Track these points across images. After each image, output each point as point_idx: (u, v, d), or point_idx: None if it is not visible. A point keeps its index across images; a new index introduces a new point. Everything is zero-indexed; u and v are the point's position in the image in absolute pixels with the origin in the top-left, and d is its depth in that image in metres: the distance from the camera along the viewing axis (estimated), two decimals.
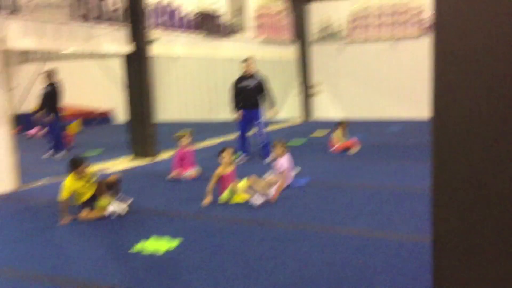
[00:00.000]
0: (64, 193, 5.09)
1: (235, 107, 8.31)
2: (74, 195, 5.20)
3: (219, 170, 5.64)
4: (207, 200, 5.54)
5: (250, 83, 8.14)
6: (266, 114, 8.34)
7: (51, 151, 10.05)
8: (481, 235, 1.12)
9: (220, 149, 5.85)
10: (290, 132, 12.83)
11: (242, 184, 5.70)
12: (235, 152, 5.86)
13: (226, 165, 5.70)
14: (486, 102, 1.07)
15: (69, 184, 5.13)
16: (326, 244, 4.06)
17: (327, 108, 16.00)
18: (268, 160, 7.97)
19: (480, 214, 1.10)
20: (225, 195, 5.62)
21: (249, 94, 8.12)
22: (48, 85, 9.82)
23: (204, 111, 18.19)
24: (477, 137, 1.09)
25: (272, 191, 5.59)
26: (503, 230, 1.09)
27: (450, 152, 1.12)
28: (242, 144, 8.46)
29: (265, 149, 8.24)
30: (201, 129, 14.82)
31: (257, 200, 5.38)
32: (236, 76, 8.53)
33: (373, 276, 3.36)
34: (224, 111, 17.97)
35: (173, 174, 7.10)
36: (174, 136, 7.45)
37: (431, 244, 1.21)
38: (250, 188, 5.56)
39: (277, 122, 15.74)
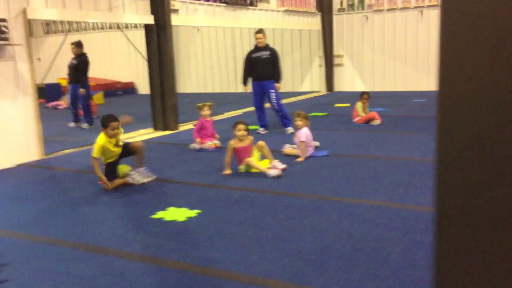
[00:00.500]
0: (95, 150, 5.12)
1: (244, 80, 8.34)
2: (103, 153, 5.22)
3: (231, 144, 5.66)
4: (226, 172, 5.59)
5: (263, 54, 8.11)
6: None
7: (75, 123, 10.16)
8: (485, 205, 1.10)
9: (235, 122, 5.85)
10: (313, 103, 12.73)
11: (255, 156, 5.71)
12: (247, 126, 5.81)
13: (238, 139, 5.69)
14: (491, 71, 1.05)
15: (100, 141, 5.13)
16: (344, 215, 4.06)
17: (350, 80, 15.76)
18: (290, 129, 7.97)
19: (484, 185, 1.09)
20: (242, 168, 5.64)
21: (261, 64, 8.08)
22: (77, 56, 9.86)
23: (226, 83, 18.15)
24: (482, 108, 1.07)
25: (278, 165, 5.54)
26: (506, 200, 1.08)
27: (455, 122, 1.11)
28: (259, 117, 8.44)
29: (284, 119, 8.24)
30: (223, 101, 14.81)
31: (273, 172, 5.38)
32: (253, 47, 8.47)
33: (389, 247, 3.35)
34: (248, 82, 17.92)
35: (194, 144, 7.15)
36: (196, 106, 7.48)
37: (434, 213, 1.19)
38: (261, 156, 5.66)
39: (300, 93, 15.62)
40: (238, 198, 4.65)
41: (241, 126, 5.69)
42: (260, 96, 8.29)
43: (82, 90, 9.71)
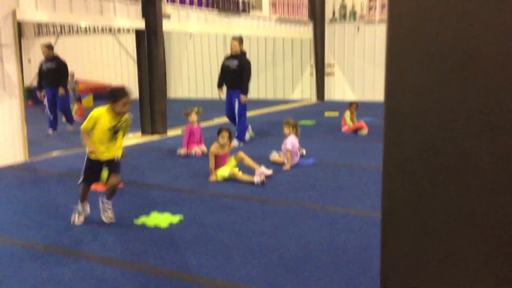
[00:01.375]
0: (85, 121, 4.14)
1: (218, 84, 8.18)
2: (93, 132, 4.16)
3: (213, 150, 5.66)
4: (212, 178, 5.59)
5: (232, 63, 7.79)
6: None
7: (54, 130, 9.57)
8: (429, 208, 1.16)
9: (219, 128, 5.86)
10: (303, 111, 12.76)
11: (231, 164, 5.72)
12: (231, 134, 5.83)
13: (219, 146, 5.71)
14: (434, 87, 1.11)
15: (96, 113, 4.11)
16: (327, 223, 4.06)
17: (340, 89, 15.84)
18: (235, 142, 7.48)
19: (428, 188, 1.15)
20: (219, 174, 5.64)
21: (230, 73, 7.81)
22: (50, 59, 9.34)
23: (216, 89, 18.16)
24: (425, 121, 1.13)
25: (264, 170, 5.55)
26: (449, 203, 1.13)
27: (401, 131, 1.16)
28: (234, 124, 8.06)
29: (238, 132, 7.84)
30: (213, 107, 14.79)
31: (257, 179, 5.38)
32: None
33: (371, 256, 3.35)
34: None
35: (182, 150, 7.13)
36: (182, 112, 7.47)
37: (381, 218, 1.24)
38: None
39: (290, 101, 15.67)
40: (222, 205, 4.63)
41: (225, 134, 5.70)
42: (229, 104, 8.01)
43: (62, 91, 9.26)
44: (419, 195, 1.16)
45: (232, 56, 7.87)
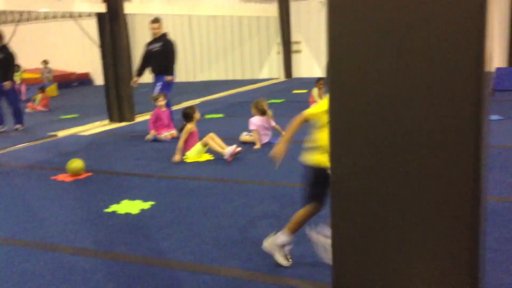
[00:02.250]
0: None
1: (137, 71, 7.67)
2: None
3: (190, 127, 5.68)
4: (177, 157, 5.59)
5: (154, 46, 7.40)
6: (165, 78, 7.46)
7: (2, 125, 8.73)
8: (371, 184, 1.24)
9: (187, 109, 5.87)
10: (271, 90, 12.76)
11: (199, 145, 5.77)
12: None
13: (195, 123, 5.78)
14: (373, 66, 1.16)
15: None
16: (298, 200, 4.09)
17: (308, 66, 15.88)
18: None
19: (370, 167, 1.22)
20: (191, 153, 5.67)
21: (153, 58, 7.38)
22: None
23: (184, 72, 17.96)
24: (366, 98, 1.18)
25: (233, 148, 5.57)
26: (388, 178, 1.19)
27: (344, 111, 1.21)
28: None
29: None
30: (181, 90, 14.63)
31: (228, 150, 5.47)
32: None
33: None
34: (206, 71, 17.80)
35: (150, 135, 7.05)
36: (150, 97, 7.37)
37: (331, 189, 1.29)
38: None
39: (259, 80, 15.63)
40: (193, 188, 4.62)
41: (195, 108, 5.84)
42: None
43: (9, 83, 8.34)
44: (364, 166, 1.20)
45: (154, 40, 7.44)
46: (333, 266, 1.36)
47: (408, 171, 1.16)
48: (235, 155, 5.55)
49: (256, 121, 6.24)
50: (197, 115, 5.86)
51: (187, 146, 5.76)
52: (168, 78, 7.47)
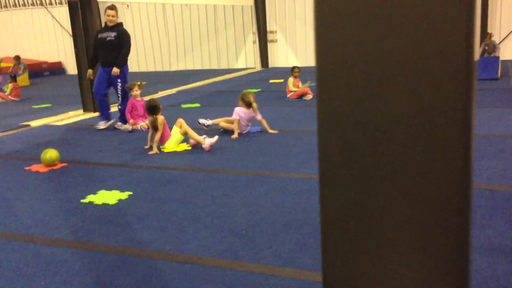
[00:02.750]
0: None
1: (90, 63, 7.16)
2: None
3: (162, 118, 5.71)
4: (154, 150, 5.59)
5: (108, 35, 6.79)
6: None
7: None
8: (360, 167, 1.25)
9: (153, 101, 5.84)
10: (248, 80, 12.73)
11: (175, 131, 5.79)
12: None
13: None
14: (360, 45, 1.19)
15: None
16: (277, 188, 4.12)
17: (284, 55, 15.89)
18: (103, 124, 7.06)
19: (358, 149, 1.24)
20: (170, 143, 5.69)
21: (106, 48, 6.79)
22: None
23: (159, 61, 17.76)
24: (354, 79, 1.19)
25: (214, 140, 5.59)
26: (377, 161, 1.21)
27: (331, 92, 1.22)
28: (100, 107, 7.19)
29: (121, 114, 7.13)
30: (157, 79, 14.50)
31: (208, 141, 5.52)
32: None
33: (318, 218, 3.43)
34: (181, 60, 17.64)
35: (126, 125, 6.98)
36: (125, 86, 7.26)
37: (319, 178, 1.32)
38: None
39: (235, 70, 15.56)
40: (170, 178, 4.60)
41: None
42: (103, 82, 6.98)
43: None
44: (352, 152, 1.22)
45: (107, 28, 6.84)
46: (323, 254, 1.38)
47: (397, 157, 1.17)
48: (212, 145, 5.56)
49: (240, 111, 6.23)
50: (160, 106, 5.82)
51: (162, 137, 5.71)
52: (115, 70, 6.83)
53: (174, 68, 17.56)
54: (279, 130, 6.34)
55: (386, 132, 1.16)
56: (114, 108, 8.96)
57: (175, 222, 3.53)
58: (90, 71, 7.20)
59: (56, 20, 15.60)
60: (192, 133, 5.65)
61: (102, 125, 7.11)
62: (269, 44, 15.79)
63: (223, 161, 5.09)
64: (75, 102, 9.24)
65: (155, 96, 10.34)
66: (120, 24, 7.01)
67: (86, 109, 8.81)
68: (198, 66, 17.26)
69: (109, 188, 4.36)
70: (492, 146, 5.02)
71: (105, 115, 7.20)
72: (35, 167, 5.18)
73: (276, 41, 15.83)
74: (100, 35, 6.87)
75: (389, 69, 1.12)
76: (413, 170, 1.17)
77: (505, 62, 12.48)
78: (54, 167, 5.13)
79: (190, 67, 17.33)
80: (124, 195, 4.16)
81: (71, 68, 17.09)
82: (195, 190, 4.20)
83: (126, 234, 3.36)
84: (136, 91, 6.97)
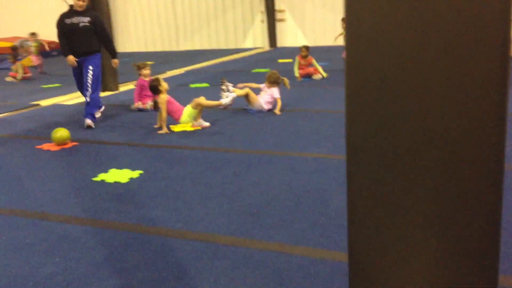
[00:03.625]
0: None
1: (66, 51, 6.03)
2: None
3: (163, 97, 5.68)
4: (164, 130, 5.58)
5: (80, 20, 5.93)
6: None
7: None
8: (389, 147, 1.23)
9: (152, 81, 5.83)
10: (256, 59, 12.65)
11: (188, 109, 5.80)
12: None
13: (165, 91, 5.75)
14: (392, 26, 1.14)
15: None
16: (287, 168, 4.12)
17: (293, 35, 15.74)
18: (88, 122, 6.06)
19: (388, 129, 1.21)
20: (184, 117, 5.73)
21: (79, 35, 5.95)
22: None
23: (167, 40, 17.67)
24: (385, 59, 1.16)
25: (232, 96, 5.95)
26: (408, 141, 1.18)
27: (361, 73, 1.19)
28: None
29: (90, 108, 6.12)
30: (164, 59, 14.46)
31: (224, 101, 5.87)
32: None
33: (330, 197, 3.45)
34: (189, 40, 17.52)
35: (135, 105, 6.99)
36: (132, 65, 7.26)
37: (346, 156, 1.28)
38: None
39: (243, 50, 15.46)
40: (181, 157, 4.61)
41: (160, 77, 5.88)
42: (79, 75, 6.22)
43: None
44: (381, 128, 1.20)
45: (77, 12, 5.95)
46: (349, 231, 1.36)
47: (428, 133, 1.14)
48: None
49: (275, 92, 6.41)
50: (164, 85, 5.73)
51: (172, 115, 5.72)
52: (116, 61, 6.46)
53: (182, 47, 17.48)
54: (290, 110, 6.32)
55: (418, 108, 1.12)
56: (126, 87, 8.96)
57: (186, 200, 3.55)
58: (72, 57, 6.00)
59: (65, 1, 15.47)
60: (208, 103, 5.77)
61: (97, 113, 6.26)
62: (277, 23, 15.64)
63: (233, 140, 5.10)
64: None
65: (163, 76, 10.32)
66: (92, 8, 6.31)
67: None
68: (205, 46, 17.16)
69: (120, 166, 4.39)
70: None
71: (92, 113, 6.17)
72: (46, 146, 5.22)
73: (284, 20, 15.67)
74: (68, 21, 5.92)
75: (422, 42, 1.09)
76: (445, 148, 1.13)
77: None
78: (65, 146, 5.16)
79: (197, 46, 17.23)
80: (135, 173, 4.18)
81: None
82: (205, 169, 4.22)
83: (137, 212, 3.39)
84: (146, 71, 6.96)
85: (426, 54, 1.10)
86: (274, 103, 6.42)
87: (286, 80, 6.55)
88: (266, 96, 6.37)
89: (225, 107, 5.99)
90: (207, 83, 9.15)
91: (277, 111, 6.28)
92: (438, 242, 1.22)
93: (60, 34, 6.00)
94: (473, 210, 1.18)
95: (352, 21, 1.17)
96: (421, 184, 1.19)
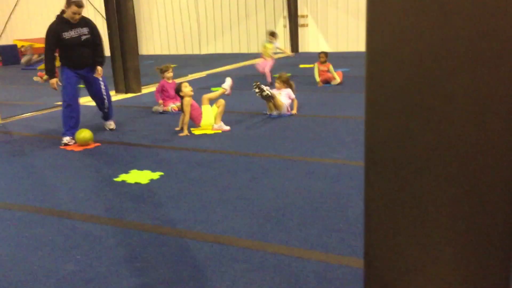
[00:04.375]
0: None
1: (51, 69, 5.60)
2: None
3: (186, 100, 5.75)
4: (185, 132, 5.66)
5: (81, 32, 5.55)
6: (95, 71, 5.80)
7: None
8: (409, 152, 1.22)
9: (179, 86, 5.90)
10: (278, 64, 12.67)
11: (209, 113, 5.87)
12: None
13: (190, 95, 5.81)
14: (413, 26, 1.15)
15: None
16: (305, 174, 4.14)
17: (315, 40, 15.74)
18: (110, 125, 6.18)
19: (408, 133, 1.21)
20: (204, 120, 5.80)
21: (82, 48, 5.58)
22: None
23: (189, 44, 17.84)
24: (405, 61, 1.16)
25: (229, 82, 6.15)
26: (427, 145, 1.18)
27: (381, 76, 1.20)
28: (69, 119, 5.60)
29: (110, 112, 6.20)
30: (186, 63, 14.60)
31: (226, 85, 6.15)
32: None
33: (348, 203, 3.45)
34: (211, 44, 17.66)
35: (157, 106, 7.09)
36: (156, 69, 7.36)
37: (364, 159, 1.29)
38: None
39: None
40: (201, 160, 4.67)
41: (186, 83, 5.95)
42: (76, 88, 5.75)
43: None
44: (400, 135, 1.21)
45: (73, 24, 5.50)
46: (365, 237, 1.37)
47: (446, 140, 1.14)
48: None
49: (291, 93, 6.62)
50: (185, 89, 5.76)
51: (194, 119, 5.79)
52: (100, 68, 5.83)
53: (204, 51, 17.62)
54: (311, 115, 6.33)
55: (436, 117, 1.12)
56: (148, 89, 9.07)
57: (205, 203, 3.59)
58: (55, 80, 5.65)
59: (90, 2, 15.77)
60: (212, 95, 5.99)
61: (67, 140, 5.52)
62: (299, 29, 15.66)
63: (252, 145, 5.13)
64: (107, 83, 9.38)
65: (185, 78, 10.42)
66: (85, 17, 5.74)
67: (118, 90, 8.96)
68: (227, 50, 17.27)
69: (141, 168, 4.46)
70: None
71: (75, 128, 5.63)
72: (70, 147, 5.33)
73: (307, 25, 15.68)
74: (67, 35, 5.47)
75: (441, 52, 1.09)
76: (462, 157, 1.13)
77: None
78: (88, 147, 5.27)
79: (220, 50, 17.35)
80: (156, 175, 4.25)
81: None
82: (224, 172, 4.26)
83: (157, 213, 3.45)
84: (170, 73, 7.07)
85: (445, 65, 1.11)
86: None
87: (293, 84, 6.78)
88: (285, 99, 6.43)
89: (229, 93, 6.08)
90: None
91: (294, 111, 6.46)
92: (454, 249, 1.23)
93: (51, 48, 5.51)
94: (488, 219, 1.19)
95: (373, 30, 1.18)
96: (437, 192, 1.20)
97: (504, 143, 1.12)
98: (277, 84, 6.65)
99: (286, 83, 6.62)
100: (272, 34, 9.75)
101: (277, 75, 6.81)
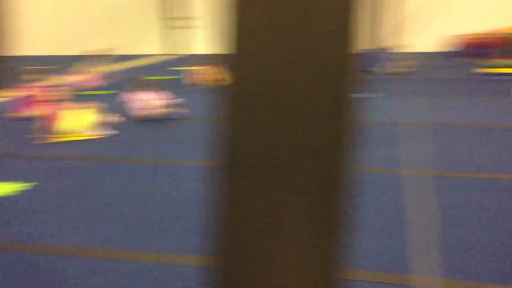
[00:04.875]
0: None
1: None
2: None
3: (49, 106, 5.58)
4: (46, 140, 5.46)
5: None
6: None
7: None
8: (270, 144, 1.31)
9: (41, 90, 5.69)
10: (151, 67, 12.50)
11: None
12: None
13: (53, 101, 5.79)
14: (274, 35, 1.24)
15: None
16: (179, 176, 4.19)
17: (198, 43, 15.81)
18: None
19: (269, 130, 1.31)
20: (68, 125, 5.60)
21: None
22: None
23: (69, 43, 16.92)
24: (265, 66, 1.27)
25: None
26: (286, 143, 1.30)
27: (245, 78, 1.30)
28: None
29: None
30: (60, 64, 13.85)
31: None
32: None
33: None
34: (95, 42, 16.92)
35: (19, 113, 6.67)
36: (19, 72, 6.93)
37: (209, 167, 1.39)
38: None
39: (137, 57, 15.16)
40: (67, 168, 4.50)
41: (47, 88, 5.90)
42: None
43: None
44: (253, 133, 1.31)
45: None
46: (210, 239, 1.45)
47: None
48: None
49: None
50: (50, 95, 5.64)
51: (55, 124, 5.55)
52: None
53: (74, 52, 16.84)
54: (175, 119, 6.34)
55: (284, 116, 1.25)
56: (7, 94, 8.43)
57: (72, 215, 3.47)
58: None
59: None
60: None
61: None
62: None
63: (119, 150, 5.05)
64: None
65: (59, 81, 9.89)
66: None
67: None
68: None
69: (4, 179, 4.17)
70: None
71: None
72: None
73: (193, 27, 15.64)
74: None
75: (287, 59, 1.23)
76: (314, 155, 1.26)
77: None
78: None
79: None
80: (19, 187, 4.01)
81: None
82: (92, 180, 4.16)
83: (21, 229, 3.25)
84: (34, 77, 6.72)
85: (291, 72, 1.23)
86: None
87: None
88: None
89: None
90: (106, 90, 8.93)
91: None
92: (303, 239, 1.37)
93: None
94: (328, 212, 1.34)
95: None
96: (283, 188, 1.32)
97: (329, 143, 1.28)
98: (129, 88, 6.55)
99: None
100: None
101: None
